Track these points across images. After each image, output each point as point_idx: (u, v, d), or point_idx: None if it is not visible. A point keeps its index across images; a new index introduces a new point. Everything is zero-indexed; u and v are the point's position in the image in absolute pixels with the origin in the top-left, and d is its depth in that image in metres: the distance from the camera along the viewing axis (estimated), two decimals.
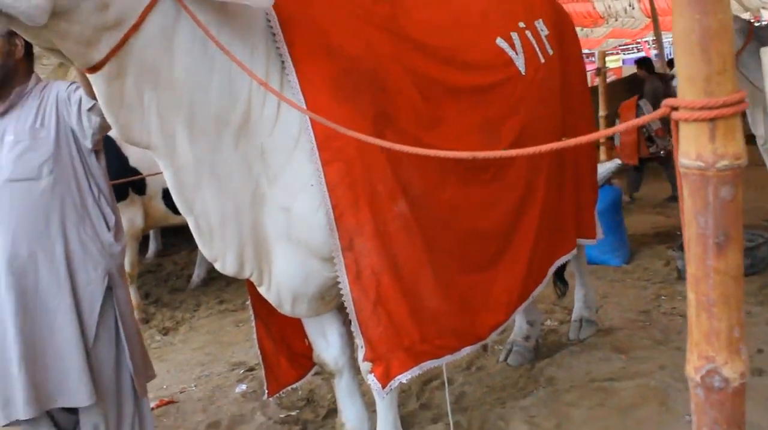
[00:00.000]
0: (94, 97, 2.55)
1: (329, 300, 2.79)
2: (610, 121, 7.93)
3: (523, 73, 3.13)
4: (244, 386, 4.59)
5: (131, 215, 6.14)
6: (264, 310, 3.00)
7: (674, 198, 11.65)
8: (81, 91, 2.79)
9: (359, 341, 2.57)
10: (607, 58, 27.02)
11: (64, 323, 2.86)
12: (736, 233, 1.16)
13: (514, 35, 3.17)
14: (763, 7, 8.71)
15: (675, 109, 1.16)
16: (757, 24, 5.91)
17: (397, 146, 1.89)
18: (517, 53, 3.13)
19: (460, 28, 2.98)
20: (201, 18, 2.20)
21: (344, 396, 3.14)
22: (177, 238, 9.34)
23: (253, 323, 3.10)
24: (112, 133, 2.66)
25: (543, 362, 4.24)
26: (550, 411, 3.55)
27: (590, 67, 24.35)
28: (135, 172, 6.01)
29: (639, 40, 19.88)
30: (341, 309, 2.89)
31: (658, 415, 3.38)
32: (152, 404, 3.98)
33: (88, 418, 2.98)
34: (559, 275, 4.34)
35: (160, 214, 6.52)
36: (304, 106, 2.34)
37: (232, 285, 7.34)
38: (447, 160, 2.65)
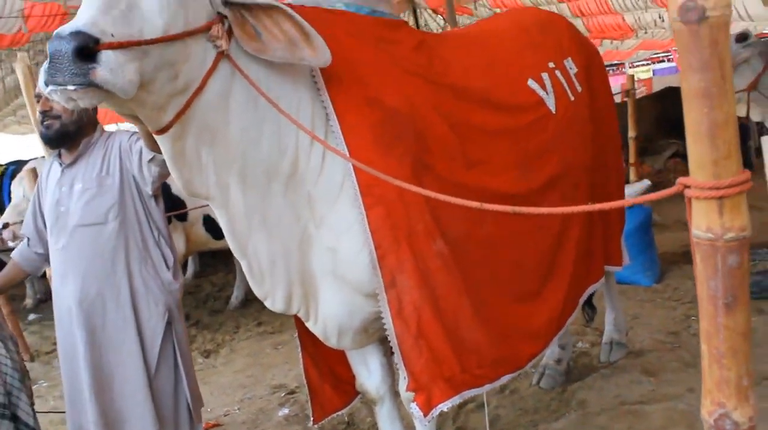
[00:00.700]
0: (153, 150, 2.80)
1: (372, 333, 2.95)
2: (639, 144, 8.03)
3: (554, 112, 3.28)
4: (286, 410, 4.78)
5: (173, 241, 6.38)
6: (309, 341, 3.18)
7: None
8: (141, 143, 3.02)
9: (402, 372, 2.72)
10: (636, 68, 26.87)
11: (129, 356, 3.12)
12: (742, 294, 1.32)
13: (545, 75, 3.32)
14: None
15: (688, 187, 1.32)
16: None
17: (433, 194, 2.04)
18: (547, 93, 3.28)
19: (493, 72, 3.14)
20: (253, 76, 2.38)
21: (385, 422, 3.29)
22: (214, 259, 9.61)
23: (300, 355, 3.26)
24: None
25: (575, 385, 4.38)
26: None
27: (620, 79, 24.26)
28: (177, 199, 6.26)
29: (669, 50, 19.90)
30: (382, 340, 3.05)
31: None
32: None
33: None
34: (588, 299, 4.47)
35: (202, 239, 6.76)
36: (348, 155, 2.52)
37: None
38: (485, 194, 2.81)
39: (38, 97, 3.21)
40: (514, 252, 3.01)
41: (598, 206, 1.66)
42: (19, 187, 6.85)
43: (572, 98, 3.43)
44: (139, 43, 2.05)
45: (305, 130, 2.42)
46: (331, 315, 2.81)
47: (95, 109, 3.19)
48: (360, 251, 2.62)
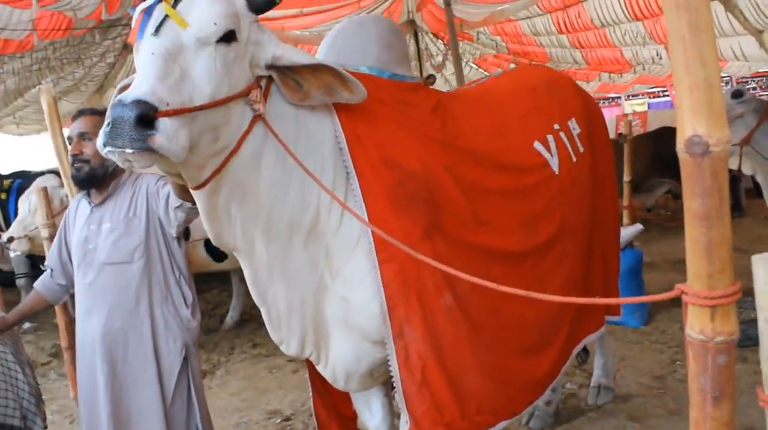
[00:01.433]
0: (181, 198, 2.97)
1: (377, 377, 3.11)
2: (634, 187, 8.21)
3: (557, 173, 3.46)
4: None
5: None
6: (319, 382, 3.33)
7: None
8: (168, 187, 3.19)
9: (404, 415, 2.87)
10: (632, 101, 27.08)
11: (147, 388, 3.31)
12: (729, 390, 1.50)
13: (550, 137, 3.50)
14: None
15: (685, 293, 1.50)
16: None
17: (443, 267, 2.22)
18: (551, 155, 3.46)
19: (501, 135, 3.32)
20: (282, 136, 2.54)
21: None
22: (209, 276, 9.70)
23: (311, 394, 3.44)
24: None
25: (562, 426, 4.55)
26: None
27: (616, 111, 24.45)
28: None
29: (666, 86, 20.12)
30: (385, 383, 3.23)
31: None
32: None
33: None
34: None
35: (202, 261, 6.90)
36: (365, 214, 2.68)
37: (264, 328, 7.55)
38: (492, 252, 3.01)
39: (70, 139, 3.40)
40: (519, 306, 3.16)
41: (596, 300, 1.82)
42: (25, 203, 7.00)
43: (574, 159, 3.61)
44: (190, 110, 2.22)
45: (329, 192, 2.59)
46: (341, 360, 2.97)
47: None
48: (371, 301, 2.77)
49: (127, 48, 13.64)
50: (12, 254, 6.99)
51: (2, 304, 4.28)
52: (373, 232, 2.69)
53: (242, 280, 7.88)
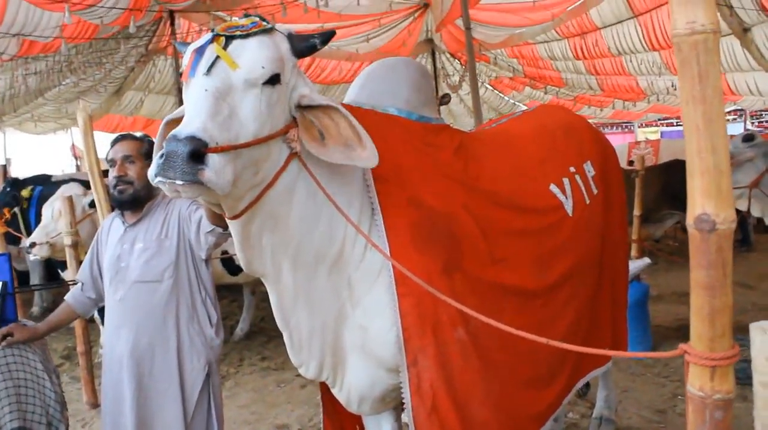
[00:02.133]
0: (213, 224, 3.12)
1: (388, 401, 3.25)
2: (644, 218, 8.32)
3: (571, 215, 3.60)
4: None
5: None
6: (329, 404, 3.49)
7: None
8: (200, 213, 3.35)
9: None
10: (645, 129, 27.08)
11: (171, 402, 3.47)
12: None
13: (566, 180, 3.65)
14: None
15: (688, 353, 1.64)
16: None
17: (457, 304, 2.36)
18: (566, 197, 3.61)
19: (519, 177, 3.47)
20: (315, 172, 2.69)
21: None
22: (219, 287, 9.82)
23: (321, 417, 3.57)
24: None
25: None
26: None
27: (629, 138, 24.44)
28: None
29: (680, 116, 20.13)
30: (395, 408, 3.36)
31: None
32: None
33: None
34: None
35: (218, 274, 7.02)
36: (387, 249, 2.83)
37: (273, 341, 7.83)
38: (506, 289, 3.15)
39: (112, 162, 3.55)
40: (528, 341, 3.29)
41: (603, 352, 1.95)
42: (48, 209, 7.15)
43: (588, 201, 3.76)
44: (236, 147, 2.37)
45: (356, 227, 2.74)
46: (356, 384, 3.11)
47: None
48: (389, 331, 2.91)
49: (147, 55, 13.89)
50: (31, 258, 7.12)
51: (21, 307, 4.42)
52: (393, 266, 2.84)
53: (253, 292, 8.08)
